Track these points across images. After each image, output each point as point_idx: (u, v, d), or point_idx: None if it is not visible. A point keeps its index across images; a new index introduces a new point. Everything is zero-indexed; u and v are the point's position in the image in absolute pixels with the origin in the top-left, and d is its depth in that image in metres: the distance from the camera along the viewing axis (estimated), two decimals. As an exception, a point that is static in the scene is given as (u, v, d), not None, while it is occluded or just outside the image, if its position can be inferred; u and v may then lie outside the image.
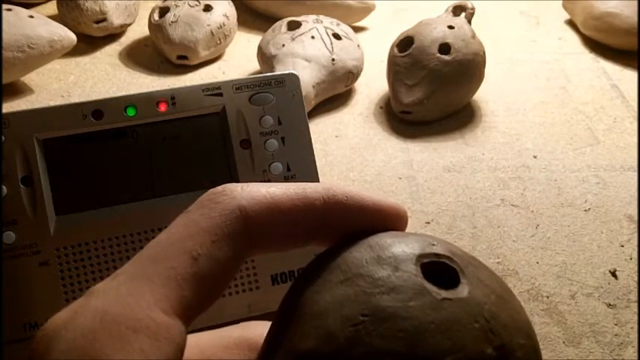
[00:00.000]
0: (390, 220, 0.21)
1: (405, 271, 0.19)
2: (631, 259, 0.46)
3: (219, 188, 0.20)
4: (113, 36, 0.71)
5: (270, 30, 0.63)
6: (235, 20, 0.69)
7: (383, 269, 0.19)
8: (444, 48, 0.57)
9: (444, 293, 0.18)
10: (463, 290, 0.19)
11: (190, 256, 0.18)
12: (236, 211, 0.19)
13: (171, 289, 0.17)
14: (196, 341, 0.21)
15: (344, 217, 0.21)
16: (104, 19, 0.68)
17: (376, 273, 0.19)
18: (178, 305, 0.17)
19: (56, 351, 0.16)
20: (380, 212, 0.21)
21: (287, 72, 0.36)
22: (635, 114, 0.62)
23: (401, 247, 0.20)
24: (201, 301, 0.18)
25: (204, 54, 0.66)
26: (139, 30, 0.73)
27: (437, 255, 0.20)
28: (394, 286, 0.18)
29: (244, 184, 0.20)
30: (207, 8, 0.66)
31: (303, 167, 0.35)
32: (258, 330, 0.22)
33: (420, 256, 0.19)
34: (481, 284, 0.20)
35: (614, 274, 0.45)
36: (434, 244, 0.20)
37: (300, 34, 0.61)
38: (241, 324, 0.23)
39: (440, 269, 0.19)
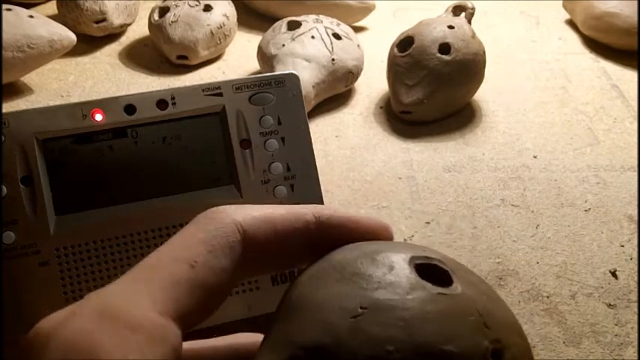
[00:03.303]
0: (377, 237, 0.22)
1: (400, 269, 0.19)
2: (631, 259, 0.46)
3: (216, 207, 0.21)
4: (113, 36, 0.71)
5: (270, 30, 0.63)
6: (235, 20, 0.69)
7: (378, 269, 0.19)
8: (444, 48, 0.57)
9: (438, 289, 0.19)
10: (456, 288, 0.19)
11: (187, 264, 0.18)
12: (231, 225, 0.20)
13: (168, 293, 0.18)
14: (191, 348, 0.21)
15: (335, 235, 0.22)
16: (104, 19, 0.68)
17: (372, 272, 0.19)
18: (175, 309, 0.18)
19: (54, 348, 0.16)
20: (368, 230, 0.22)
21: (287, 72, 0.36)
22: (635, 114, 0.62)
23: (393, 250, 0.21)
24: (198, 308, 0.18)
25: (204, 54, 0.66)
26: (139, 30, 0.73)
27: (428, 258, 0.20)
28: (390, 282, 0.19)
29: (240, 205, 0.21)
30: (207, 8, 0.66)
31: (303, 167, 0.35)
32: (250, 339, 0.23)
33: (413, 258, 0.20)
34: (472, 285, 0.20)
35: (614, 274, 0.45)
36: (424, 250, 0.21)
37: (300, 34, 0.61)
38: (233, 335, 0.23)
39: (432, 271, 0.20)
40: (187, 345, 0.21)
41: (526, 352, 0.20)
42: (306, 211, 0.21)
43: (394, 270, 0.19)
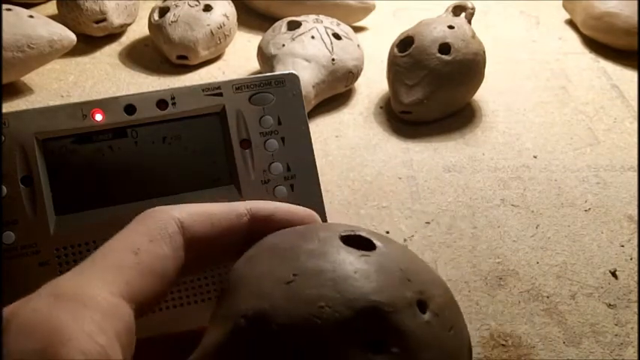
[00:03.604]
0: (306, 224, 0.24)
1: (327, 240, 0.21)
2: (631, 259, 0.46)
3: (155, 208, 0.23)
4: (113, 36, 0.71)
5: (270, 30, 0.63)
6: (235, 20, 0.69)
7: (307, 242, 0.21)
8: (444, 48, 0.57)
9: (362, 252, 0.21)
10: (379, 251, 0.21)
11: (131, 251, 0.20)
12: (170, 220, 0.22)
13: (115, 276, 0.19)
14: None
15: (268, 226, 0.23)
16: (104, 19, 0.68)
17: (301, 245, 0.21)
18: (124, 289, 0.19)
19: (14, 330, 0.17)
20: (298, 219, 0.24)
21: (287, 72, 0.35)
22: (635, 114, 0.62)
23: (321, 228, 0.23)
24: (146, 290, 0.20)
25: (204, 54, 0.66)
26: (139, 30, 0.73)
27: (353, 230, 0.22)
28: (318, 250, 0.21)
29: (177, 205, 0.23)
30: (207, 8, 0.66)
31: (303, 167, 0.35)
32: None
33: (339, 232, 0.22)
34: (395, 249, 0.22)
35: (614, 274, 0.45)
36: (351, 226, 0.23)
37: (300, 34, 0.61)
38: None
39: (358, 242, 0.22)
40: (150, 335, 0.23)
41: (451, 302, 0.21)
42: (239, 205, 0.24)
43: (322, 242, 0.21)
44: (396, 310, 0.19)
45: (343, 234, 0.22)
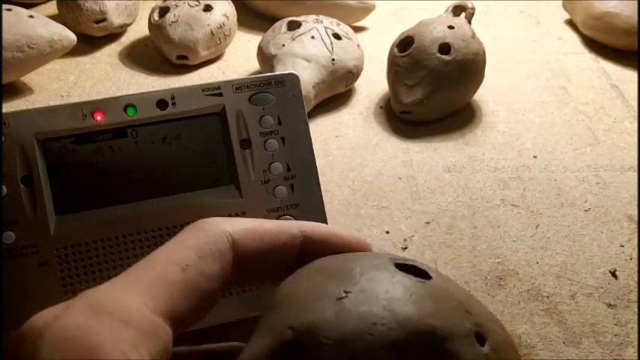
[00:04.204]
0: (354, 251, 0.24)
1: (381, 265, 0.20)
2: (631, 259, 0.46)
3: (207, 218, 0.22)
4: (113, 36, 0.71)
5: (270, 30, 0.63)
6: (235, 20, 0.69)
7: (360, 266, 0.21)
8: (444, 48, 0.57)
9: (419, 279, 0.20)
10: (436, 280, 0.20)
11: (179, 267, 0.19)
12: (221, 234, 0.21)
13: (160, 293, 0.18)
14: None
15: (319, 248, 0.23)
16: (104, 19, 0.68)
17: (354, 267, 0.20)
18: (166, 308, 0.18)
19: (47, 342, 0.16)
20: (349, 245, 0.24)
21: (287, 72, 0.36)
22: (635, 114, 0.62)
23: (375, 254, 0.22)
24: (189, 310, 0.19)
25: (204, 54, 0.66)
26: (139, 30, 0.73)
27: (407, 260, 0.21)
28: (373, 273, 0.20)
29: (229, 217, 0.22)
30: (207, 8, 0.66)
31: (303, 167, 0.35)
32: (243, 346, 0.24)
33: (393, 258, 0.21)
34: (451, 282, 0.21)
35: (614, 274, 0.45)
36: (405, 258, 0.22)
37: (300, 34, 0.61)
38: (226, 343, 0.24)
39: (412, 271, 0.21)
40: (179, 349, 0.22)
41: (509, 342, 0.20)
42: (293, 225, 0.23)
43: (376, 266, 0.20)
44: (453, 338, 0.18)
45: (398, 261, 0.21)
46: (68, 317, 0.17)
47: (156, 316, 0.18)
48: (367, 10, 0.74)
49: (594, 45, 0.73)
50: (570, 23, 0.77)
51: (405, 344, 0.18)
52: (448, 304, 0.19)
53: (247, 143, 0.35)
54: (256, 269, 0.22)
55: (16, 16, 0.60)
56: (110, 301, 0.18)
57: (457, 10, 0.63)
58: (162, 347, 0.18)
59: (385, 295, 0.19)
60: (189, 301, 0.19)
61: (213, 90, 0.35)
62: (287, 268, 0.22)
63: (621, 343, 0.40)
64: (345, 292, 0.19)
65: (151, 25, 0.67)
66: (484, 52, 0.60)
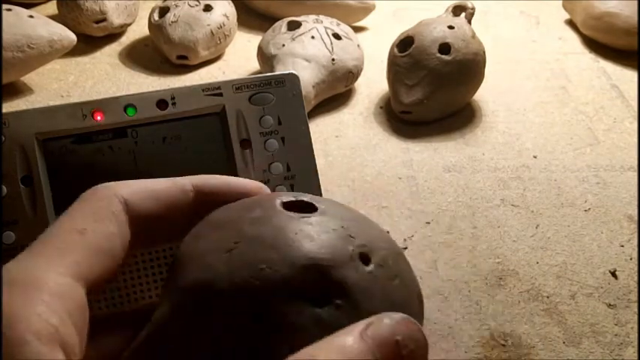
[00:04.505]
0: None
1: (268, 208, 0.21)
2: (631, 259, 0.46)
3: (97, 185, 0.23)
4: (113, 36, 0.71)
5: (270, 30, 0.63)
6: (235, 20, 0.69)
7: (248, 212, 0.21)
8: (444, 48, 0.57)
9: (302, 214, 0.21)
10: (321, 211, 0.21)
11: (77, 232, 0.20)
12: (113, 197, 0.22)
13: (64, 257, 0.19)
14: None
15: (215, 201, 0.23)
16: (104, 19, 0.68)
17: (242, 215, 0.21)
18: (74, 269, 0.19)
19: None
20: (244, 191, 0.24)
21: (287, 72, 0.36)
22: (635, 114, 0.62)
23: (264, 197, 0.23)
24: (96, 268, 0.20)
25: (204, 54, 0.66)
26: (139, 30, 0.73)
27: (295, 196, 0.22)
28: (258, 217, 0.21)
29: (123, 181, 0.23)
30: (207, 8, 0.66)
31: (303, 167, 0.35)
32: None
33: (281, 199, 0.22)
34: (337, 209, 0.22)
35: (614, 274, 0.45)
36: (296, 194, 0.23)
37: (300, 34, 0.61)
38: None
39: (300, 206, 0.22)
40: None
41: (396, 254, 0.22)
42: (184, 180, 0.23)
43: (263, 209, 0.21)
44: (337, 265, 0.19)
45: (285, 200, 0.22)
46: None
47: (65, 277, 0.19)
48: (367, 10, 0.74)
49: (594, 45, 0.73)
50: (570, 23, 0.77)
51: (293, 282, 0.19)
52: (331, 234, 0.20)
53: (247, 143, 0.35)
54: (155, 227, 0.23)
55: (16, 16, 0.60)
56: (20, 272, 0.19)
57: (457, 10, 0.63)
58: (77, 306, 0.19)
59: (271, 240, 0.20)
60: (94, 261, 0.20)
61: (213, 90, 0.35)
62: (187, 223, 0.23)
63: (621, 343, 0.40)
64: (235, 242, 0.20)
65: (151, 25, 0.67)
66: (484, 52, 0.60)
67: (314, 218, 0.21)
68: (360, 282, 0.19)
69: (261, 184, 0.25)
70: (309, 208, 0.22)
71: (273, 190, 0.35)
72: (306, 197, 0.22)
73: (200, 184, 0.23)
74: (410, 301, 0.21)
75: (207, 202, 0.23)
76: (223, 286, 0.19)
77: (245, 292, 0.19)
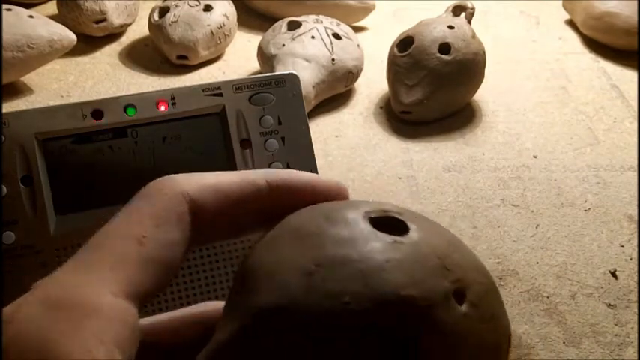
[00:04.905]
0: (333, 199, 0.22)
1: (354, 224, 0.19)
2: (631, 259, 0.46)
3: (162, 178, 0.20)
4: (113, 36, 0.71)
5: (270, 30, 0.63)
6: (235, 20, 0.69)
7: (332, 226, 0.19)
8: (444, 48, 0.57)
9: (394, 237, 0.18)
10: (413, 235, 0.19)
11: (135, 240, 0.18)
12: (179, 196, 0.19)
13: (118, 272, 0.17)
14: (151, 323, 0.21)
15: (289, 200, 0.21)
16: (104, 19, 0.68)
17: (325, 229, 0.19)
18: (128, 288, 0.17)
19: (9, 334, 0.15)
20: (323, 192, 0.22)
21: (287, 72, 0.36)
22: (635, 114, 0.62)
23: (348, 207, 0.20)
24: (152, 283, 0.18)
25: (204, 54, 0.66)
26: (139, 30, 0.73)
27: (384, 211, 0.20)
28: (344, 237, 0.18)
29: (189, 174, 0.20)
30: (207, 8, 0.66)
31: (303, 167, 0.35)
32: (216, 307, 0.22)
33: (368, 212, 0.20)
34: (431, 232, 0.20)
35: (614, 274, 0.45)
36: (381, 204, 0.20)
37: (300, 34, 0.61)
38: (195, 305, 0.22)
39: (389, 224, 0.19)
40: (147, 320, 0.20)
41: (491, 289, 0.20)
42: (257, 176, 0.20)
43: (348, 225, 0.19)
44: (431, 304, 0.17)
45: (373, 216, 0.19)
46: (22, 316, 0.16)
47: (118, 299, 0.16)
48: (367, 10, 0.74)
49: (594, 45, 0.73)
50: (570, 23, 0.77)
51: (379, 320, 0.17)
52: (424, 265, 0.18)
53: (247, 143, 0.35)
54: (220, 226, 0.20)
55: (16, 16, 0.60)
56: (67, 290, 0.16)
57: (457, 10, 0.62)
58: (129, 329, 0.16)
59: (358, 266, 0.18)
60: (151, 274, 0.18)
61: (213, 90, 0.35)
62: (257, 222, 0.21)
63: (621, 343, 0.40)
64: (316, 265, 0.18)
65: (151, 25, 0.67)
66: (484, 52, 0.60)
67: (407, 244, 0.18)
68: (453, 325, 0.17)
69: (343, 186, 0.22)
70: (399, 227, 0.19)
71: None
72: (393, 211, 0.20)
73: (277, 182, 0.21)
74: (501, 343, 0.19)
75: (283, 201, 0.21)
76: (301, 317, 0.17)
77: (324, 329, 0.17)
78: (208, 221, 0.19)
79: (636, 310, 0.42)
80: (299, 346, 0.17)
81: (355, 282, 0.17)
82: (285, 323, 0.17)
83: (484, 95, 0.63)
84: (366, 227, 0.19)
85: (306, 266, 0.18)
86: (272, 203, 0.21)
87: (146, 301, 0.18)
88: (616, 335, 0.41)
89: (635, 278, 0.45)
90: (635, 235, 0.48)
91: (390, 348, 0.17)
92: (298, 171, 0.22)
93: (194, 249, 0.20)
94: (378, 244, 0.18)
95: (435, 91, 0.57)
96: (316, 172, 0.35)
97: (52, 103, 0.58)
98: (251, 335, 0.18)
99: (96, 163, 0.34)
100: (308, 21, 0.62)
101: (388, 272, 0.17)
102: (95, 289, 0.16)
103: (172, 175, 0.20)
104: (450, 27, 0.59)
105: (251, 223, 0.21)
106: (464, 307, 0.18)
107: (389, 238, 0.18)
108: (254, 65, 0.67)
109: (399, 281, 0.17)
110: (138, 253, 0.17)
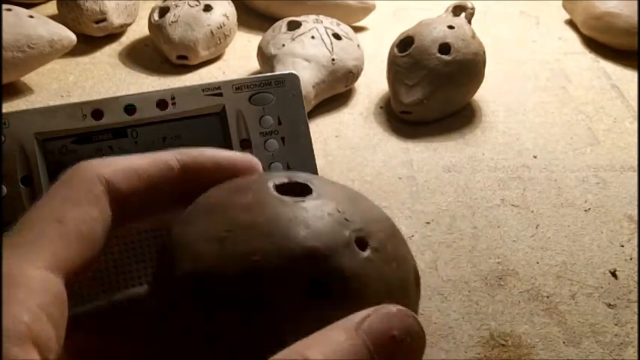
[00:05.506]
0: (244, 173, 0.23)
1: (260, 191, 0.21)
2: (631, 259, 0.46)
3: (79, 163, 0.21)
4: (113, 36, 0.71)
5: (270, 30, 0.63)
6: (235, 20, 0.69)
7: (239, 196, 0.21)
8: (444, 48, 0.57)
9: (296, 199, 0.20)
10: (315, 195, 0.21)
11: (55, 220, 0.19)
12: (94, 178, 0.21)
13: (42, 248, 0.19)
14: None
15: (203, 177, 0.22)
16: (104, 19, 0.68)
17: (234, 199, 0.20)
18: (51, 261, 0.18)
19: None
20: (234, 166, 0.23)
21: (287, 72, 0.36)
22: (635, 114, 0.62)
23: (255, 179, 0.22)
24: (75, 256, 0.19)
25: (204, 54, 0.66)
26: (139, 30, 0.73)
27: (289, 177, 0.22)
28: (251, 203, 0.20)
29: (104, 158, 0.22)
30: (207, 8, 0.66)
31: (303, 167, 0.35)
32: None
33: (272, 181, 0.21)
34: (333, 191, 0.21)
35: (614, 274, 0.45)
36: (288, 174, 0.22)
37: (300, 34, 0.61)
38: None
39: (294, 190, 0.21)
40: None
41: (392, 235, 0.21)
42: (169, 156, 0.22)
43: (255, 193, 0.20)
44: (333, 253, 0.19)
45: (277, 183, 0.21)
46: None
47: (40, 270, 0.18)
48: (367, 10, 0.74)
49: (594, 45, 0.73)
50: (570, 23, 0.77)
51: (286, 273, 0.18)
52: (326, 220, 0.20)
53: (247, 143, 0.35)
54: (140, 206, 0.22)
55: (16, 16, 0.60)
56: None
57: (457, 10, 0.63)
58: (54, 298, 0.18)
59: (264, 227, 0.19)
60: (74, 250, 0.19)
61: (213, 90, 0.35)
62: (174, 201, 0.22)
63: (621, 343, 0.40)
64: (226, 231, 0.19)
65: (151, 25, 0.67)
66: (484, 52, 0.60)
67: (308, 202, 0.20)
68: (356, 269, 0.19)
69: (254, 159, 0.23)
70: (302, 190, 0.21)
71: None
72: (300, 177, 0.22)
73: (186, 159, 0.22)
74: (407, 285, 0.21)
75: (195, 177, 0.22)
76: (215, 280, 0.19)
77: (238, 286, 0.18)
78: (124, 201, 0.21)
79: (636, 310, 0.42)
80: (215, 307, 0.18)
81: (263, 241, 0.19)
82: (203, 288, 0.19)
83: (484, 95, 0.63)
84: (271, 193, 0.20)
85: (218, 234, 0.19)
86: (185, 182, 0.22)
87: (75, 275, 0.19)
88: (616, 335, 0.41)
89: (635, 278, 0.45)
90: (635, 235, 0.48)
91: (301, 297, 0.18)
92: (211, 149, 0.23)
93: (119, 227, 0.22)
94: (282, 206, 0.20)
95: (435, 91, 0.57)
96: (316, 173, 0.35)
97: (52, 103, 0.58)
98: (174, 305, 0.19)
99: (96, 163, 0.34)
100: (308, 21, 0.62)
101: (292, 229, 0.19)
102: (19, 264, 0.18)
103: (88, 160, 0.21)
104: (450, 27, 0.59)
105: (168, 201, 0.22)
106: (366, 253, 0.19)
107: (292, 199, 0.20)
108: (254, 65, 0.67)
109: (303, 236, 0.19)
110: (58, 231, 0.19)
